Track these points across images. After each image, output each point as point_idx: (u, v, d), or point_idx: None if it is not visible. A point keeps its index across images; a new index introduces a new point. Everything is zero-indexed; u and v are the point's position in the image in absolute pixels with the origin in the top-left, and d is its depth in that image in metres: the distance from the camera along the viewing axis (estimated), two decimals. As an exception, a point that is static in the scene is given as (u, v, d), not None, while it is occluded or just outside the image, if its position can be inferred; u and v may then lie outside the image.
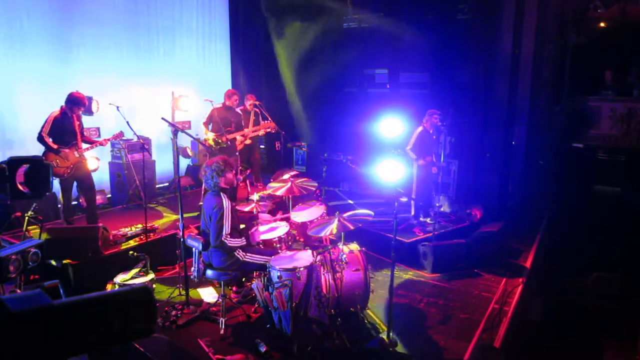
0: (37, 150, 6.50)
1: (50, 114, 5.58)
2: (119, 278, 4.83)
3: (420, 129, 6.72)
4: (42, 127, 5.50)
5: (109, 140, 5.98)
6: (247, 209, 5.26)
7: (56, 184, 5.64)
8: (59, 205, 6.52)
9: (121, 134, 6.01)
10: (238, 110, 7.22)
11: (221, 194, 4.26)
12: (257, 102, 7.82)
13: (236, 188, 6.85)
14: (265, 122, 7.55)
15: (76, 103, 5.59)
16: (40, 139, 5.48)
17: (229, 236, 4.17)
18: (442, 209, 7.30)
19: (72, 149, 5.63)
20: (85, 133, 5.92)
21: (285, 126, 7.89)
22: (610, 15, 8.79)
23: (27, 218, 4.51)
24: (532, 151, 8.04)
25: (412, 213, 7.08)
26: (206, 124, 6.98)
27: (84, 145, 5.76)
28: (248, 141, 7.66)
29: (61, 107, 5.62)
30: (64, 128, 5.57)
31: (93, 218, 6.07)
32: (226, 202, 4.21)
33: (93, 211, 6.11)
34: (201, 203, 5.03)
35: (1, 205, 6.00)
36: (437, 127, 6.66)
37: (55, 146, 5.49)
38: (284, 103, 9.59)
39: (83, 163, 5.75)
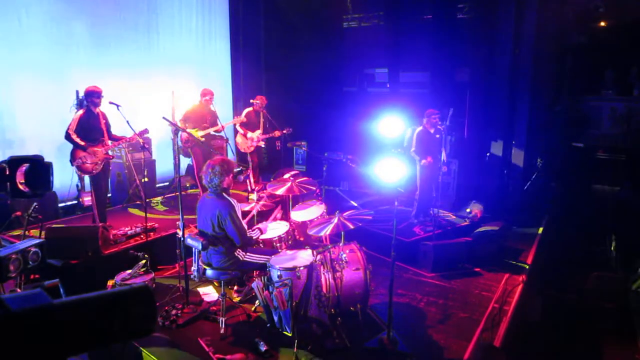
0: (37, 149, 6.52)
1: (75, 114, 5.78)
2: (119, 277, 4.85)
3: (419, 129, 6.71)
4: (69, 125, 5.65)
5: (135, 136, 5.92)
6: (246, 208, 5.26)
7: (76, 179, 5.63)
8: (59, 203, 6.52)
9: (146, 130, 6.01)
10: (212, 107, 7.16)
11: (223, 194, 4.25)
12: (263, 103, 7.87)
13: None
14: (277, 131, 7.75)
15: (91, 95, 5.71)
16: (67, 136, 5.62)
17: (249, 231, 4.30)
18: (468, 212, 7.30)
19: (100, 146, 5.76)
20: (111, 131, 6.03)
21: (285, 125, 7.90)
22: (610, 15, 8.79)
23: (27, 217, 4.51)
24: (532, 150, 8.05)
25: (414, 212, 7.08)
26: (183, 121, 6.91)
27: (111, 143, 5.90)
28: (262, 143, 7.78)
29: (85, 107, 5.78)
30: (91, 126, 5.72)
31: (102, 216, 6.11)
32: (233, 200, 4.23)
33: (103, 210, 6.18)
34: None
35: (1, 204, 6.00)
36: (436, 127, 6.65)
37: (82, 143, 5.63)
38: (284, 102, 9.59)
39: (110, 161, 5.95)
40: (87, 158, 5.67)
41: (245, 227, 4.25)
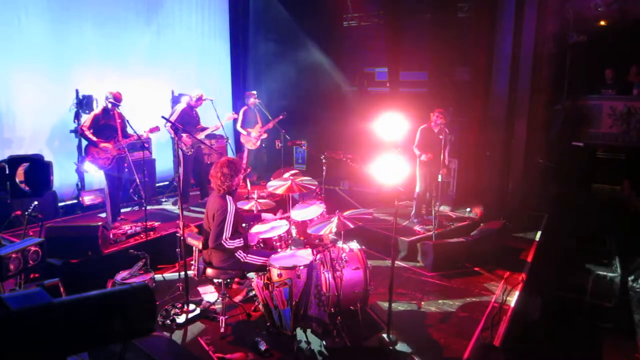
0: (36, 148, 6.52)
1: (92, 112, 6.11)
2: (119, 276, 4.85)
3: (424, 126, 6.76)
4: (84, 122, 5.95)
5: (147, 134, 6.21)
6: (246, 207, 5.26)
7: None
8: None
9: (157, 128, 6.26)
10: (196, 109, 7.19)
11: (227, 196, 4.24)
12: (258, 101, 7.98)
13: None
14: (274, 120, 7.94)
15: (115, 99, 5.99)
16: (81, 132, 5.92)
17: (228, 239, 4.15)
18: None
19: (112, 142, 5.98)
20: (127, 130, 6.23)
21: (286, 124, 7.91)
22: (610, 14, 8.78)
23: (27, 217, 4.51)
24: (532, 150, 8.03)
25: (414, 211, 7.08)
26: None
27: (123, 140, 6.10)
28: (264, 135, 8.22)
29: (103, 106, 6.04)
30: (106, 124, 5.98)
31: (115, 213, 6.36)
32: (231, 206, 4.17)
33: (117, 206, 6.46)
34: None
35: (1, 203, 6.00)
36: (441, 126, 6.66)
37: (94, 139, 5.87)
38: (284, 101, 9.57)
39: (123, 157, 6.16)
40: (99, 154, 5.89)
41: (226, 235, 4.12)
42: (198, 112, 7.20)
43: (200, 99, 7.01)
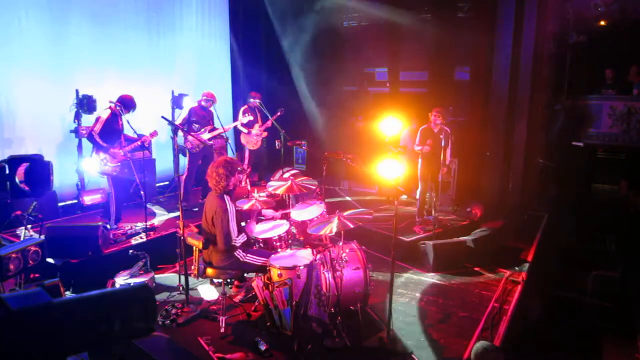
0: (36, 149, 6.52)
1: (100, 114, 5.86)
2: (119, 276, 4.85)
3: (424, 126, 6.77)
4: (94, 126, 5.76)
5: (148, 138, 6.16)
6: (246, 206, 5.26)
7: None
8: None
9: (155, 133, 6.24)
10: (211, 109, 7.16)
11: (225, 196, 4.24)
12: (258, 101, 8.01)
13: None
14: (272, 117, 7.87)
15: (127, 105, 5.91)
16: (91, 137, 5.75)
17: (236, 239, 4.22)
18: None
19: (118, 147, 5.89)
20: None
21: (286, 124, 7.92)
22: (610, 14, 8.79)
23: (27, 216, 4.52)
24: (532, 150, 8.04)
25: (417, 210, 7.08)
26: (182, 124, 6.88)
27: (127, 143, 6.02)
28: (265, 134, 8.26)
29: (110, 107, 5.86)
30: (113, 128, 5.87)
31: (118, 215, 6.29)
32: (230, 206, 4.19)
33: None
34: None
35: (1, 203, 6.00)
36: (441, 126, 6.67)
37: (104, 145, 5.76)
38: (284, 101, 9.57)
39: (127, 162, 6.08)
40: (107, 160, 5.79)
41: (234, 234, 4.17)
42: (212, 112, 7.11)
43: (209, 100, 6.99)
